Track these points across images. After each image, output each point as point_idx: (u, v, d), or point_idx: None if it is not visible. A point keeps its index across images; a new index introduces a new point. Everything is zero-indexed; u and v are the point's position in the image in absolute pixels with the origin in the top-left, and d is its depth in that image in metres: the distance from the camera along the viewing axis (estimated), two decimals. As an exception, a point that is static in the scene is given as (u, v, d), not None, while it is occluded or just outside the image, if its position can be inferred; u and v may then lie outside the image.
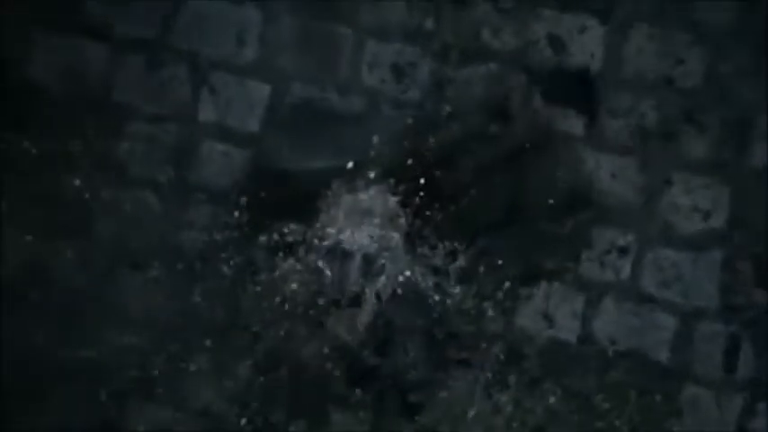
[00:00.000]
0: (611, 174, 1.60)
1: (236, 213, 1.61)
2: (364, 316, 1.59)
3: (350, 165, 1.61)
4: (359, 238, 1.59)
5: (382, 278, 1.59)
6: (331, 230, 1.60)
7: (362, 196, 1.61)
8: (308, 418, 1.60)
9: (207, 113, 1.63)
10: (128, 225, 1.61)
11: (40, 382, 1.60)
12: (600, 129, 1.60)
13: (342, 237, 1.59)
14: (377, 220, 1.60)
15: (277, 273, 1.60)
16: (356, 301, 1.59)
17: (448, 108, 1.61)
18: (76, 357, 1.59)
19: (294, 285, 1.60)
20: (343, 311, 1.59)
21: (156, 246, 1.61)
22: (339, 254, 1.59)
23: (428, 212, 1.60)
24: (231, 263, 1.60)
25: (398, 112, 1.62)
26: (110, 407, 1.60)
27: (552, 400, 1.57)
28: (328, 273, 1.59)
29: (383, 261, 1.59)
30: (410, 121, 1.61)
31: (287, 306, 1.60)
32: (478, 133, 1.62)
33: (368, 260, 1.59)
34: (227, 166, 1.63)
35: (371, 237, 1.59)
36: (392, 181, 1.61)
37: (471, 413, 1.59)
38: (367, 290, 1.59)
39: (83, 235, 1.60)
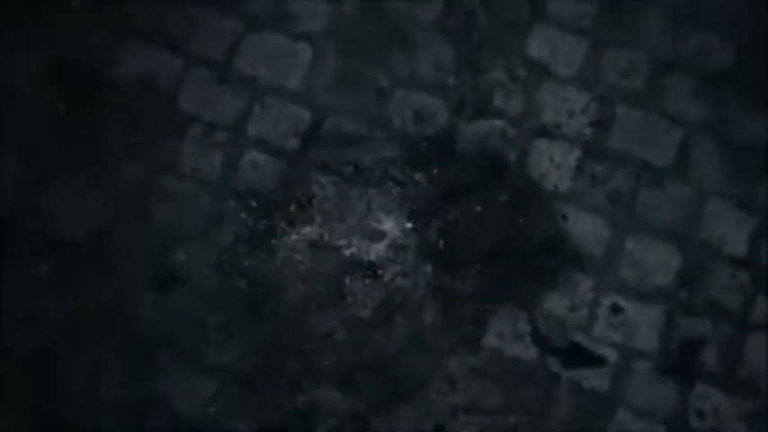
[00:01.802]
0: (584, 228, 1.90)
1: (261, 212, 1.92)
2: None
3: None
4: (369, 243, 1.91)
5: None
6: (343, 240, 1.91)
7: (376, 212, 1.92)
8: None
9: (255, 128, 1.95)
10: (176, 212, 1.92)
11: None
12: (580, 189, 1.91)
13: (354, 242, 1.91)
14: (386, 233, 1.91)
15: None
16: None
17: (458, 148, 1.92)
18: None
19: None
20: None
21: (198, 234, 1.91)
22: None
23: (427, 230, 1.91)
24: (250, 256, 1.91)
25: (414, 146, 1.93)
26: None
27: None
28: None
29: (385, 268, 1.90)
30: (424, 150, 1.92)
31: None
32: (479, 176, 1.92)
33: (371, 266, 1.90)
34: (264, 175, 1.94)
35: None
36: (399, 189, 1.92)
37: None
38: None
39: (139, 218, 1.91)
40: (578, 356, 1.86)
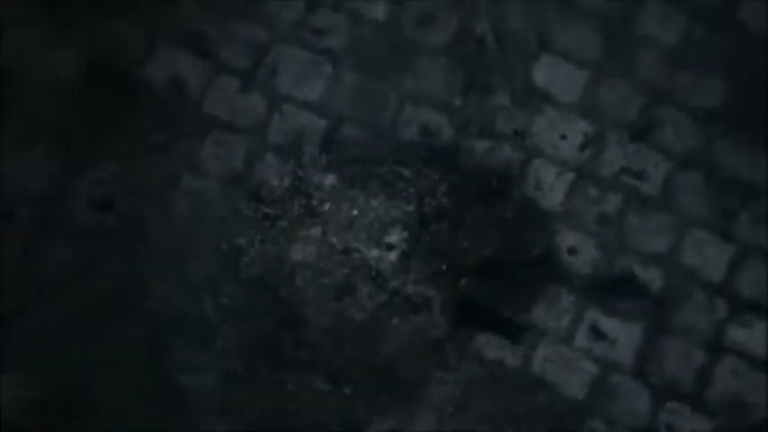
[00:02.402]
0: (571, 247, 2.04)
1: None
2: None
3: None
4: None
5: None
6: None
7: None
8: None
9: (273, 134, 2.10)
10: (194, 207, 2.07)
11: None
12: (572, 209, 2.05)
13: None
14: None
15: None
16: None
17: (461, 163, 2.06)
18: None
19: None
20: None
21: (215, 224, 2.07)
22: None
23: (429, 237, 2.05)
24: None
25: (420, 158, 2.07)
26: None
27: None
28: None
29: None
30: (429, 162, 2.06)
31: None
32: (479, 190, 2.07)
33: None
34: (279, 177, 2.08)
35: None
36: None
37: None
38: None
39: (160, 209, 2.06)
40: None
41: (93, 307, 2.02)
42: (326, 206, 2.05)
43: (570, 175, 2.05)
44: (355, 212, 2.05)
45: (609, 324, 2.01)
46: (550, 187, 2.06)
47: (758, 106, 2.07)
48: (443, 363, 2.01)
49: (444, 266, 2.03)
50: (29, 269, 2.02)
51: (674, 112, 2.08)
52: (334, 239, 2.04)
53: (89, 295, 2.02)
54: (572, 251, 2.03)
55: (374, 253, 2.04)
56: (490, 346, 2.01)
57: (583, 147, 2.06)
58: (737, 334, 2.00)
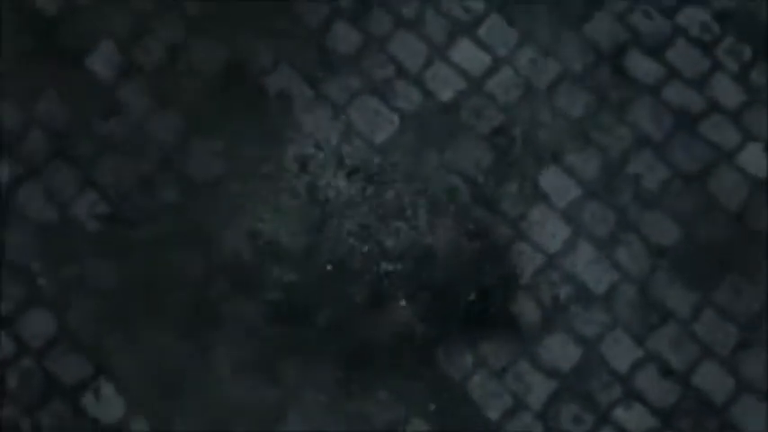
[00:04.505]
0: (521, 311, 2.69)
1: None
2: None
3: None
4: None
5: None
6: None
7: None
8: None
9: (346, 156, 2.80)
10: (271, 200, 2.79)
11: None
12: (534, 286, 2.70)
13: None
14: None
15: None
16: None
17: (469, 217, 2.74)
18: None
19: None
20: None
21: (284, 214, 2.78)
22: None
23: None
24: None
25: (441, 202, 2.75)
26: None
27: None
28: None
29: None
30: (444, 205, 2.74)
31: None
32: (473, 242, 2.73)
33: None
34: (340, 190, 2.79)
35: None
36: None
37: None
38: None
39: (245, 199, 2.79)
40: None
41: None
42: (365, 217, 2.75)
43: (540, 258, 2.70)
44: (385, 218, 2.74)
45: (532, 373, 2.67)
46: (530, 259, 2.70)
47: (698, 256, 2.68)
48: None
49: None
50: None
51: (635, 240, 2.70)
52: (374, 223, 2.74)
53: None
54: (520, 314, 2.68)
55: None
56: (455, 365, 2.68)
57: (558, 243, 2.71)
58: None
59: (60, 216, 2.68)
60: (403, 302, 2.69)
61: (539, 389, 2.63)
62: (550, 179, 2.74)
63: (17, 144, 2.73)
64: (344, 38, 2.84)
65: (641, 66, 2.81)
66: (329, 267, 2.69)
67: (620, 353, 2.65)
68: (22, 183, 2.71)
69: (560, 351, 2.65)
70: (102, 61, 2.79)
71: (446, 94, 2.80)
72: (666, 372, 2.63)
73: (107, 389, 2.55)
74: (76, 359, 2.57)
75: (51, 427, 2.51)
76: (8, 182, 2.70)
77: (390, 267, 2.70)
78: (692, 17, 2.84)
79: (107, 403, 2.53)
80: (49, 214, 2.68)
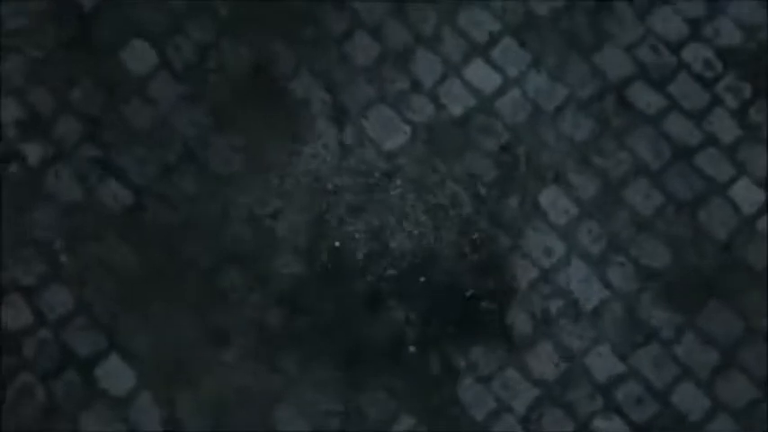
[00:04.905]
0: (512, 322, 2.84)
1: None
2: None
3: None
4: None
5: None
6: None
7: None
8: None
9: (353, 159, 2.95)
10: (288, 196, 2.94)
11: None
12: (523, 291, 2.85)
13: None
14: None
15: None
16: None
17: (472, 228, 2.89)
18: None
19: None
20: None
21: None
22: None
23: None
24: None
25: (447, 216, 2.90)
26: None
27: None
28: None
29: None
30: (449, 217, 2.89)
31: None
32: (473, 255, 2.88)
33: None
34: (348, 192, 2.94)
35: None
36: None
37: None
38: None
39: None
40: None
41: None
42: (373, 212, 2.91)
43: (535, 272, 2.85)
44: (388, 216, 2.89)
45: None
46: (524, 268, 2.85)
47: (685, 282, 2.82)
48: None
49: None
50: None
51: (626, 262, 2.84)
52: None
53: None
54: (512, 323, 2.83)
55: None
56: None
57: (550, 255, 2.86)
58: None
59: (85, 198, 2.85)
60: (400, 306, 2.84)
61: (524, 395, 2.78)
62: (550, 197, 2.88)
63: (49, 128, 2.89)
64: (364, 48, 2.99)
65: (644, 97, 2.95)
66: (330, 266, 2.84)
67: (604, 367, 2.79)
68: (52, 164, 2.87)
69: (547, 361, 2.79)
70: (134, 55, 2.96)
71: (457, 110, 2.95)
72: (647, 388, 2.77)
73: (118, 363, 2.71)
74: (91, 333, 2.73)
75: (64, 394, 2.68)
76: (38, 163, 2.87)
77: (391, 269, 2.85)
78: (696, 53, 2.99)
79: (117, 376, 2.69)
80: (75, 196, 2.85)
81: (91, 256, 2.81)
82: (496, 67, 2.97)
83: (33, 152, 2.88)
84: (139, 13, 2.99)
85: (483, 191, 2.91)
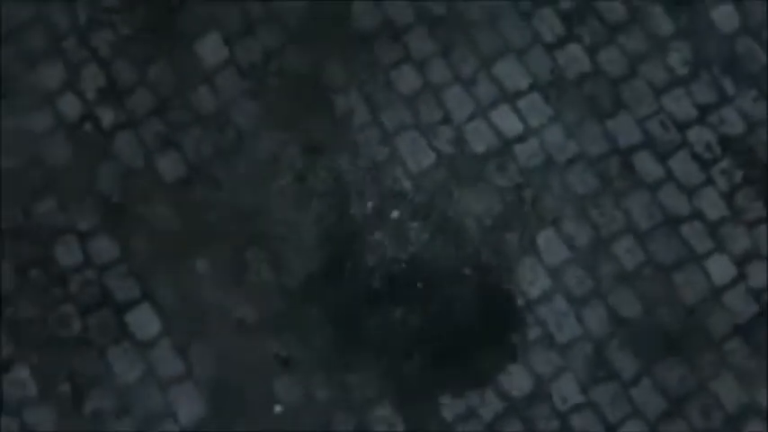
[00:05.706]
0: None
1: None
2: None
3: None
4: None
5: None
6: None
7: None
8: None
9: (384, 176, 3.33)
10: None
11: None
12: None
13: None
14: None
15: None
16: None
17: (481, 253, 3.26)
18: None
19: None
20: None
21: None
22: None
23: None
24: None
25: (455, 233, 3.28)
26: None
27: None
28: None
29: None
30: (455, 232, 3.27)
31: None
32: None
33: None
34: (369, 200, 3.32)
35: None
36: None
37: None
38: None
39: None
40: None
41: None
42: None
43: (521, 301, 3.22)
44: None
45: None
46: (522, 292, 3.22)
47: (651, 334, 3.17)
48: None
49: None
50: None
51: (602, 307, 3.20)
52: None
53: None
54: (493, 342, 3.19)
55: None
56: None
57: (536, 289, 3.22)
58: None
59: (145, 164, 3.25)
60: (398, 309, 3.21)
61: (492, 405, 3.14)
62: (547, 238, 3.25)
63: (124, 97, 3.30)
64: (408, 79, 3.37)
65: (647, 165, 3.31)
66: (340, 262, 3.22)
67: (566, 394, 3.15)
68: (121, 129, 3.28)
69: (518, 380, 3.16)
70: (208, 48, 3.36)
71: (480, 147, 3.32)
72: (600, 420, 3.13)
73: (148, 311, 3.11)
74: (128, 281, 3.13)
75: (97, 330, 3.08)
76: (110, 126, 3.28)
77: (396, 274, 3.22)
78: (700, 136, 3.34)
79: (145, 323, 3.09)
80: (137, 160, 3.25)
81: (139, 215, 3.21)
82: (520, 116, 3.34)
83: (107, 116, 3.29)
84: (221, 11, 3.39)
85: (488, 222, 3.28)
